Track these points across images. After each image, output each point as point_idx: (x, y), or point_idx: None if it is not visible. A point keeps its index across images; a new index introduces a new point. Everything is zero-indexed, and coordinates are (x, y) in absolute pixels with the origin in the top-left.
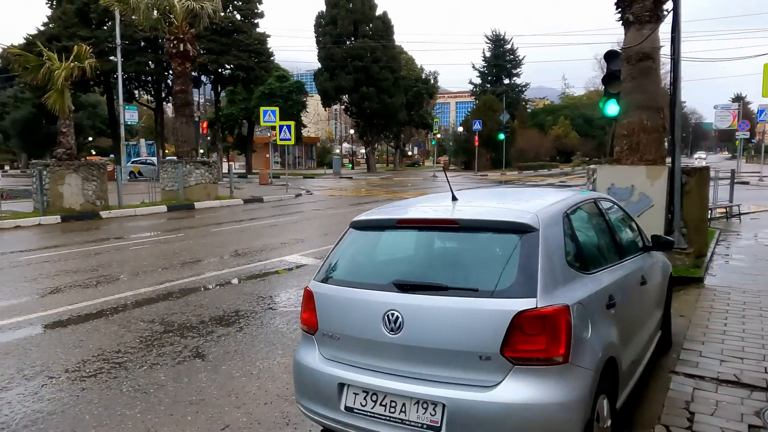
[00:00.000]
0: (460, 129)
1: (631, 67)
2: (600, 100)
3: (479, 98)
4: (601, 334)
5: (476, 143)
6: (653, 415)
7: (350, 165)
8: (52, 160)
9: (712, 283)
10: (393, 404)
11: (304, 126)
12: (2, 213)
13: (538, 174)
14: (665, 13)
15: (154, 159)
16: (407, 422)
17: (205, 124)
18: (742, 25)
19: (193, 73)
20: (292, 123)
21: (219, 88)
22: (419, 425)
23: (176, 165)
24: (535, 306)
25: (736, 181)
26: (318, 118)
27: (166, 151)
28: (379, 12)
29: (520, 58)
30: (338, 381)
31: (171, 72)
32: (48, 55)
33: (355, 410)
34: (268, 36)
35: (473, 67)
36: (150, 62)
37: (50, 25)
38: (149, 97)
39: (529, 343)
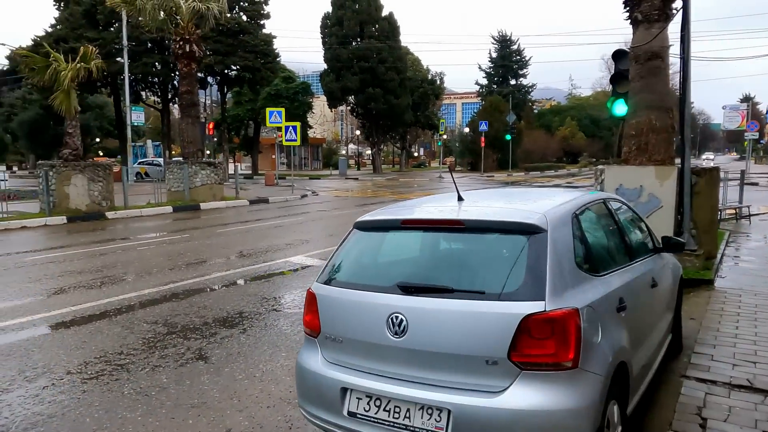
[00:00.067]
0: (467, 130)
1: (640, 67)
2: (608, 100)
3: (485, 99)
4: (612, 338)
5: (482, 144)
6: (664, 421)
7: (357, 167)
8: (59, 161)
9: (722, 285)
10: (397, 410)
11: (310, 127)
12: (8, 214)
13: (544, 175)
14: (674, 11)
15: (161, 160)
16: (411, 428)
17: (211, 125)
18: (750, 24)
19: (199, 74)
20: (298, 124)
21: (225, 89)
22: (424, 431)
23: (182, 166)
24: (543, 309)
25: (745, 182)
26: (324, 119)
27: (173, 152)
28: (385, 13)
29: (527, 58)
30: (341, 385)
31: (177, 73)
32: (54, 56)
33: (358, 415)
34: (275, 37)
35: (479, 67)
36: (156, 63)
37: (58, 27)
38: (156, 99)
39: (537, 347)
